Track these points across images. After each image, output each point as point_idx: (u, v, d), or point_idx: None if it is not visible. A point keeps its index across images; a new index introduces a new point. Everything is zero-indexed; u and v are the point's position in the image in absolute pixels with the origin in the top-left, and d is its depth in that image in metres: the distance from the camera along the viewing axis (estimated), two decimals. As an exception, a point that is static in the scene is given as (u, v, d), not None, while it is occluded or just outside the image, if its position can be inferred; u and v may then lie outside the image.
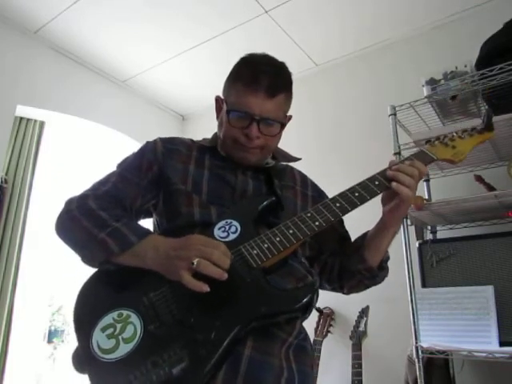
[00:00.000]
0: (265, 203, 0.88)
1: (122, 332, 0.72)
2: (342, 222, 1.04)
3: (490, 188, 1.67)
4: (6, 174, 2.42)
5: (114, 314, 0.74)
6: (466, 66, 1.65)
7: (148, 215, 1.00)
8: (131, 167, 0.96)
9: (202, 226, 0.85)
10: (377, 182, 0.85)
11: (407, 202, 0.84)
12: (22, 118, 2.54)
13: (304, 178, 1.09)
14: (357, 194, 0.83)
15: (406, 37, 2.43)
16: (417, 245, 1.76)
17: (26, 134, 2.55)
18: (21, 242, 2.39)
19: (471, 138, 0.99)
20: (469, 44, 1.81)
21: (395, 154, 1.69)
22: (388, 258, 0.97)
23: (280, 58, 0.97)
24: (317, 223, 0.81)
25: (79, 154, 3.24)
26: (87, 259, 0.83)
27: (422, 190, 1.97)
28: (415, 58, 2.34)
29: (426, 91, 1.70)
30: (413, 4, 2.23)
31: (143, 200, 0.94)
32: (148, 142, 1.00)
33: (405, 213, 0.88)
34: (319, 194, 1.06)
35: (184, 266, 0.71)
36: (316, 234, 0.82)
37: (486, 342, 1.44)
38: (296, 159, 1.07)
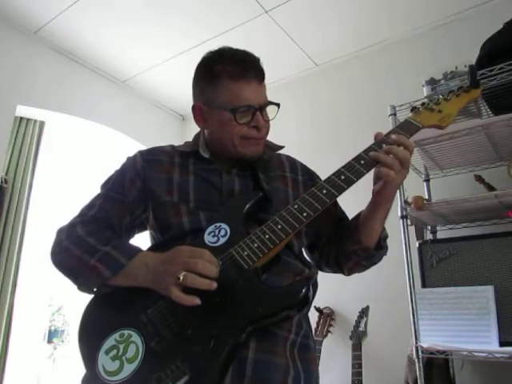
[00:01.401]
0: (251, 201, 0.87)
1: (125, 352, 0.72)
2: (336, 203, 1.02)
3: (490, 188, 1.67)
4: (6, 174, 2.42)
5: (116, 335, 0.75)
6: (465, 66, 1.65)
7: (143, 228, 0.99)
8: (115, 186, 0.96)
9: (192, 234, 0.85)
10: (363, 162, 0.82)
11: (392, 183, 0.80)
12: (21, 118, 2.54)
13: (293, 162, 1.07)
14: (343, 177, 0.81)
15: (405, 37, 2.43)
16: (417, 245, 1.76)
17: (26, 134, 2.55)
18: (21, 242, 2.39)
19: (458, 99, 0.94)
20: (469, 44, 1.81)
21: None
22: (386, 236, 0.94)
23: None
24: (304, 214, 0.79)
25: (79, 154, 3.23)
26: (83, 286, 0.84)
27: (421, 189, 1.97)
28: (415, 58, 2.34)
29: (425, 91, 1.70)
30: (412, 4, 2.22)
31: (132, 216, 0.94)
32: (128, 158, 1.00)
33: (392, 193, 0.84)
34: (310, 176, 1.04)
35: (172, 281, 0.71)
36: (311, 222, 0.80)
37: (486, 342, 1.44)
38: (280, 147, 1.05)
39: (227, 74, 0.89)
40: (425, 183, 2.01)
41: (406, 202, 1.68)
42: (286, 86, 2.80)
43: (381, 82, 2.46)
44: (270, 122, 0.97)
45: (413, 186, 1.71)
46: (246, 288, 0.74)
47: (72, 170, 3.23)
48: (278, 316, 0.75)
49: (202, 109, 0.95)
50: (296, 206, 0.81)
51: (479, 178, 1.74)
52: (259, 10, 2.28)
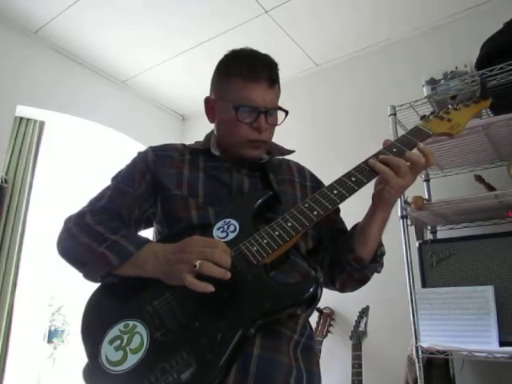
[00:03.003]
0: (261, 199, 0.87)
1: (129, 343, 0.72)
2: (338, 214, 1.03)
3: (490, 188, 1.67)
4: (6, 174, 2.43)
5: (121, 326, 0.74)
6: (466, 66, 1.65)
7: (149, 225, 0.99)
8: (125, 179, 0.96)
9: (201, 229, 0.85)
10: None
11: (391, 183, 0.80)
12: (21, 118, 2.54)
13: (301, 169, 1.08)
14: (353, 179, 0.80)
15: (405, 37, 2.43)
16: (417, 245, 1.76)
17: (26, 134, 2.55)
18: (21, 242, 2.39)
19: (467, 109, 0.94)
20: (469, 44, 1.81)
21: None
22: (383, 253, 0.94)
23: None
24: (315, 213, 0.78)
25: (79, 154, 3.24)
26: (89, 275, 0.83)
27: (422, 189, 1.97)
28: (415, 59, 2.34)
29: (426, 91, 1.70)
30: (412, 4, 2.22)
31: (140, 209, 0.94)
32: (139, 153, 1.01)
33: (390, 195, 0.84)
34: (318, 183, 1.05)
35: (186, 268, 0.71)
36: (318, 225, 0.79)
37: (486, 342, 1.44)
38: (290, 152, 1.06)
39: (240, 73, 0.91)
40: (425, 183, 2.01)
41: (406, 202, 1.68)
42: (285, 86, 2.78)
43: (381, 82, 2.46)
44: None
45: (413, 185, 1.71)
46: (255, 283, 0.74)
47: (72, 170, 3.23)
48: (285, 312, 0.75)
49: (212, 101, 0.97)
50: (307, 205, 0.80)
51: (479, 178, 1.74)
52: (259, 10, 2.28)
